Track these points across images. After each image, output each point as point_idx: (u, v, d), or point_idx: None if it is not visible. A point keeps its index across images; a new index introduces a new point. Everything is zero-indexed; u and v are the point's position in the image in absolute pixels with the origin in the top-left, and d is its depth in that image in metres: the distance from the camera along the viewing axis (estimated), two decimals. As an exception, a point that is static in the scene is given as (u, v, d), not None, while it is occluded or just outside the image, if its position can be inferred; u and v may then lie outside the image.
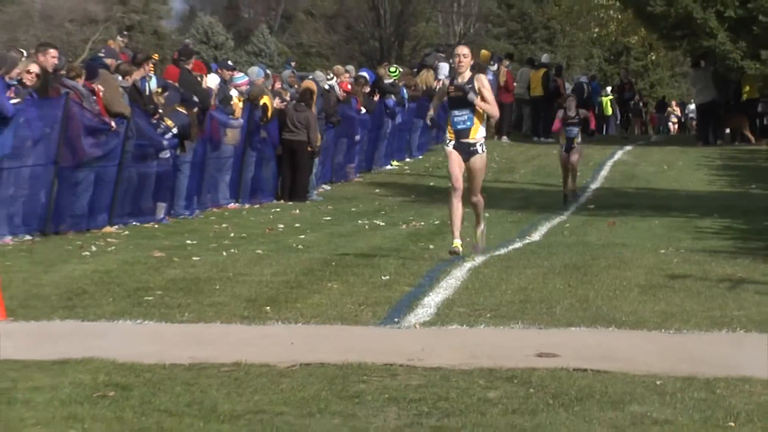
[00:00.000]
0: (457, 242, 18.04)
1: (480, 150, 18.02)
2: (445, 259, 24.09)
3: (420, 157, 57.19)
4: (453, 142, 18.49)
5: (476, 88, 18.00)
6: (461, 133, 17.73)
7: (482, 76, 18.23)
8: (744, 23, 59.20)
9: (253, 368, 14.77)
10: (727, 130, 62.22)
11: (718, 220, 31.65)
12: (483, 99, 18.26)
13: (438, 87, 20.83)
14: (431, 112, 21.10)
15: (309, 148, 38.48)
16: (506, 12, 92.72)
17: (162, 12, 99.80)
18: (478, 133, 17.73)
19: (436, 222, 29.13)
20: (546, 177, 39.76)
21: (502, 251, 25.88)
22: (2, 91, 25.64)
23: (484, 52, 71.35)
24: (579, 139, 34.51)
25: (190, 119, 31.92)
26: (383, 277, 20.97)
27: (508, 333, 17.30)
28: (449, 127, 18.11)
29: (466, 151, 17.97)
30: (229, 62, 50.15)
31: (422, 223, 30.11)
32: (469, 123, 17.40)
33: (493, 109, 18.72)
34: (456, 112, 17.51)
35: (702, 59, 63.53)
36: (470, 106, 18.18)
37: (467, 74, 18.19)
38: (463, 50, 18.53)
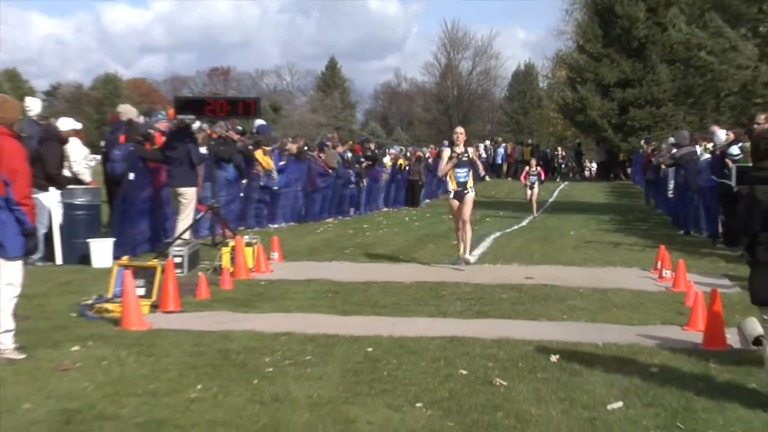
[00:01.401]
0: (466, 255, 16.45)
1: (470, 191, 16.45)
2: (482, 234, 24.01)
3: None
4: (453, 192, 16.73)
5: (470, 155, 16.64)
6: (461, 184, 16.33)
7: (472, 149, 17.07)
8: (621, 124, 58.67)
9: (393, 284, 14.78)
10: (612, 175, 61.76)
11: (609, 215, 31.38)
12: (475, 162, 17.02)
13: (444, 153, 17.31)
14: (441, 172, 17.73)
15: (420, 182, 38.47)
16: (510, 120, 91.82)
17: (352, 120, 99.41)
18: (470, 183, 16.43)
19: (479, 217, 28.86)
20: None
21: (508, 230, 25.71)
22: (277, 157, 25.72)
23: (500, 138, 70.94)
24: (537, 182, 32.00)
25: (359, 170, 32.11)
26: (453, 242, 20.79)
27: (511, 268, 17.24)
28: (453, 180, 16.50)
29: (461, 194, 16.36)
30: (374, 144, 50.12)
31: (473, 218, 29.85)
32: (467, 177, 16.21)
33: (482, 171, 17.33)
34: (458, 170, 16.20)
35: (600, 141, 63.11)
36: (467, 167, 16.64)
37: (462, 146, 16.53)
38: (460, 129, 17.01)
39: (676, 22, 34.78)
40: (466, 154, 16.18)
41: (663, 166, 29.69)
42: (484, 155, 61.34)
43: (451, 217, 18.18)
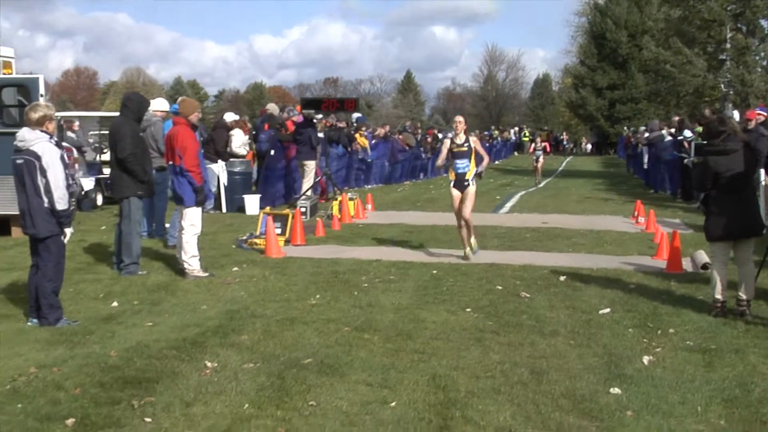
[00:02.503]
0: (467, 250, 11.28)
1: (471, 183, 11.33)
2: (511, 192, 23.73)
3: (502, 161, 54.74)
4: (453, 182, 11.51)
5: (472, 145, 11.41)
6: (460, 175, 11.21)
7: (475, 138, 11.98)
8: (609, 116, 58.76)
9: (450, 226, 14.52)
10: (603, 151, 61.13)
11: (600, 180, 31.00)
12: (478, 152, 11.60)
13: (444, 144, 12.18)
14: (440, 162, 12.21)
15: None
16: (532, 113, 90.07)
17: (422, 114, 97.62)
18: (471, 174, 11.33)
19: (504, 180, 28.65)
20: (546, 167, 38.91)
21: (530, 190, 25.40)
22: (370, 138, 25.69)
23: (524, 125, 70.11)
24: (542, 156, 28.64)
25: (427, 147, 31.87)
26: (497, 197, 20.64)
27: (533, 216, 16.95)
28: (452, 171, 11.44)
29: (462, 186, 11.20)
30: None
31: (506, 181, 29.48)
32: (466, 168, 11.03)
33: (486, 159, 12.09)
34: (458, 161, 11.12)
35: (593, 127, 62.72)
36: (468, 157, 11.38)
37: (463, 136, 11.49)
38: (460, 119, 11.93)
39: (648, 45, 35.06)
40: (466, 144, 11.37)
41: (640, 145, 29.29)
42: (513, 138, 60.54)
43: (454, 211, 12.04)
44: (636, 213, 15.94)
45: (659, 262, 10.68)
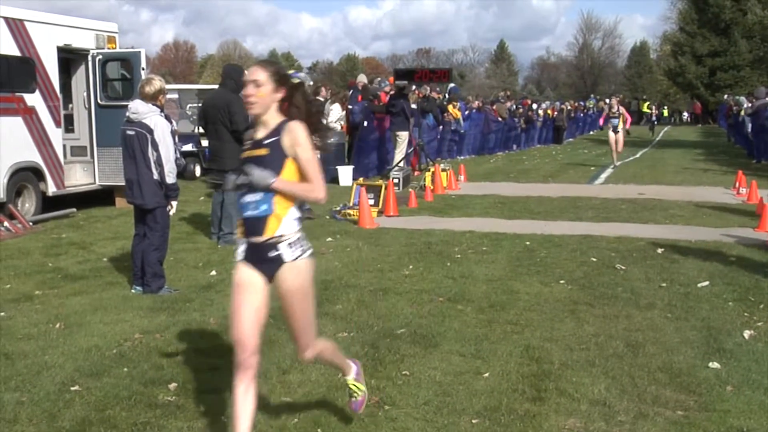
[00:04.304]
0: None
1: (288, 256, 3.10)
2: (607, 163, 23.23)
3: (597, 131, 53.40)
4: (242, 251, 3.28)
5: (284, 147, 3.06)
6: (253, 228, 3.13)
7: (297, 126, 3.04)
8: (710, 84, 57.69)
9: (544, 197, 14.44)
10: (702, 120, 59.74)
11: (699, 150, 30.15)
12: (304, 170, 3.14)
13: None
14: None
15: (563, 127, 37.16)
16: (628, 82, 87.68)
17: (515, 84, 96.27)
18: (281, 226, 3.08)
19: (599, 151, 27.95)
20: (642, 136, 37.88)
21: (626, 161, 24.69)
22: (463, 109, 25.49)
23: (622, 95, 67.71)
24: (620, 124, 21.30)
25: (520, 117, 31.45)
26: (591, 168, 20.24)
27: (628, 186, 16.60)
28: (240, 220, 3.33)
29: (265, 260, 3.16)
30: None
31: (601, 152, 28.87)
32: (263, 207, 3.07)
33: (315, 191, 3.27)
34: (249, 198, 3.16)
35: (694, 96, 61.14)
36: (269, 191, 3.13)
37: (272, 118, 3.10)
38: (256, 73, 3.06)
39: (753, 8, 33.72)
40: (269, 140, 3.18)
41: (742, 113, 28.35)
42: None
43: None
44: (737, 184, 15.46)
45: (762, 234, 10.36)
